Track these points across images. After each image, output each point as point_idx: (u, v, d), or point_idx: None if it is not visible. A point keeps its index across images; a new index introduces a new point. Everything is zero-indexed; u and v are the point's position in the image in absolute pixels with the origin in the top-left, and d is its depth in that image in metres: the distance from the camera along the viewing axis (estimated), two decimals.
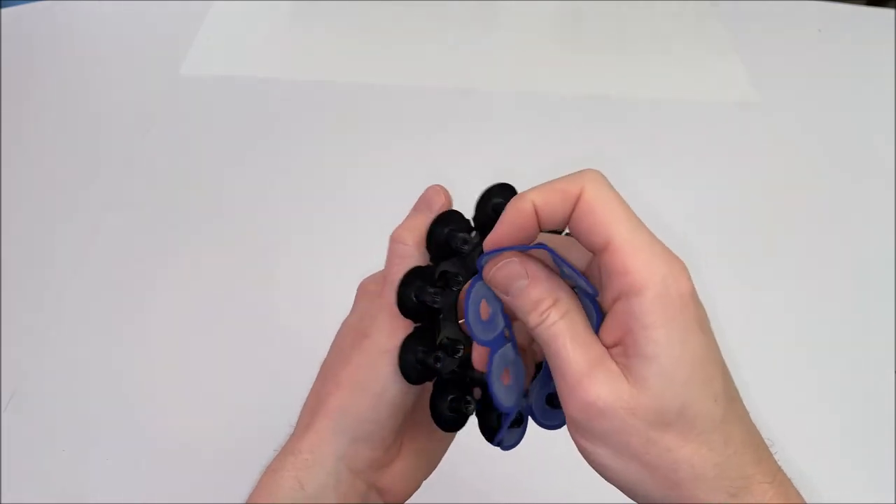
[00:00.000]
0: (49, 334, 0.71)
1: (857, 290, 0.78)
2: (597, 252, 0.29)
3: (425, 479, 0.39)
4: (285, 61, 1.07)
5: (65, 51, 1.08)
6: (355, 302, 0.39)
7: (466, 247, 0.34)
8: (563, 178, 0.30)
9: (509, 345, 0.33)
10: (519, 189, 0.34)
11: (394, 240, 0.35)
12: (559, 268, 0.31)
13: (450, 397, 0.35)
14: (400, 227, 0.35)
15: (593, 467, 0.29)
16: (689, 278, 0.28)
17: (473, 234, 0.35)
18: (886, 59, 1.07)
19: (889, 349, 0.71)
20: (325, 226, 0.82)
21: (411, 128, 0.96)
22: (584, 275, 0.31)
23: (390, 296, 0.34)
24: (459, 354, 0.35)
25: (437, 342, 0.35)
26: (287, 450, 0.35)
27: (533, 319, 0.30)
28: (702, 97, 1.02)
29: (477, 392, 0.36)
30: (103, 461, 0.62)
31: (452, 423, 0.36)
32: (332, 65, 1.06)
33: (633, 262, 0.28)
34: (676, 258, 0.29)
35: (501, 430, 0.34)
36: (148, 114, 0.96)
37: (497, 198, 0.35)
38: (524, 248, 0.31)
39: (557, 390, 0.29)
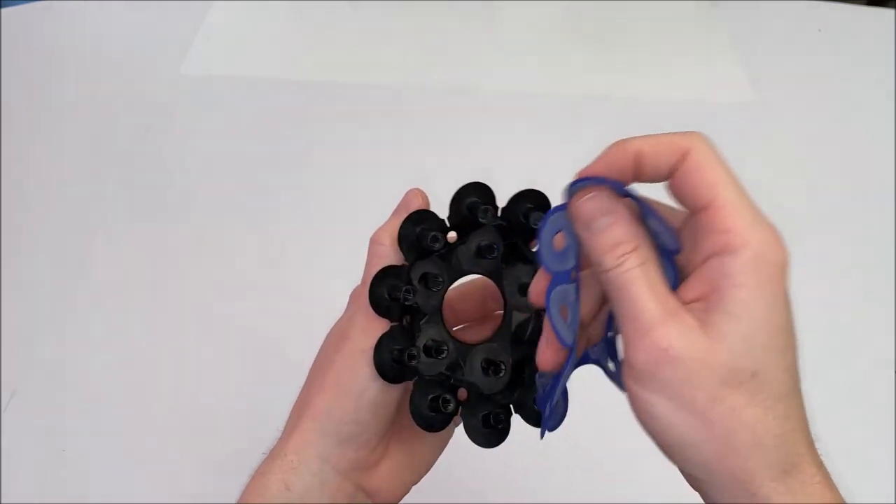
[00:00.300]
0: (49, 334, 0.71)
1: (856, 290, 0.78)
2: (696, 210, 0.29)
3: (416, 481, 0.39)
4: (285, 61, 1.07)
5: (65, 51, 1.08)
6: (347, 306, 0.40)
7: (437, 245, 0.35)
8: (670, 133, 0.29)
9: (573, 286, 0.32)
10: (497, 190, 0.36)
11: (372, 241, 0.36)
12: (645, 220, 0.30)
13: (430, 396, 0.35)
14: (379, 228, 0.36)
15: (644, 420, 0.29)
16: (786, 249, 0.28)
17: (450, 233, 0.36)
18: (886, 59, 1.07)
19: (889, 349, 0.71)
20: (326, 225, 0.82)
21: (411, 128, 0.96)
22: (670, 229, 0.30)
23: (366, 295, 0.34)
24: (444, 356, 0.35)
25: (423, 344, 0.35)
26: (274, 453, 0.36)
27: (609, 261, 0.29)
28: (702, 97, 1.02)
29: (462, 393, 0.36)
30: (103, 461, 0.62)
31: (431, 422, 0.35)
32: (332, 65, 1.06)
33: (736, 222, 0.27)
34: (775, 229, 0.28)
35: (554, 391, 0.33)
36: (148, 114, 0.96)
37: (471, 197, 0.36)
38: (619, 186, 0.29)
39: (623, 337, 0.28)
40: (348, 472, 0.36)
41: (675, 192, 0.29)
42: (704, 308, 0.28)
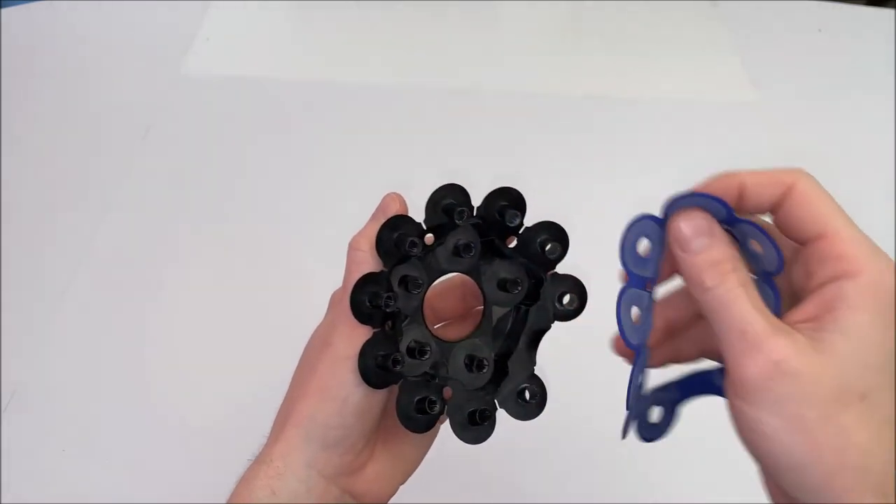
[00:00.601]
0: (49, 334, 0.71)
1: None
2: (808, 240, 0.29)
3: (403, 482, 0.39)
4: (285, 61, 1.07)
5: (65, 51, 1.08)
6: (326, 311, 0.40)
7: (415, 250, 0.35)
8: (775, 169, 0.31)
9: (648, 294, 0.33)
10: (471, 190, 0.36)
11: (350, 247, 0.36)
12: (743, 245, 0.31)
13: (416, 398, 0.35)
14: (357, 234, 0.37)
15: (751, 439, 0.28)
16: None
17: (427, 236, 0.36)
18: (886, 59, 1.07)
19: None
20: (326, 225, 0.82)
21: (411, 128, 0.96)
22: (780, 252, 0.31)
23: (347, 303, 0.35)
24: (427, 357, 0.35)
25: (405, 346, 0.35)
26: (260, 459, 0.36)
27: (710, 279, 0.29)
28: (702, 97, 1.02)
29: (447, 392, 0.36)
30: (103, 461, 0.62)
31: (418, 424, 0.36)
32: (332, 65, 1.06)
33: (853, 249, 0.28)
34: (891, 258, 0.29)
35: (629, 396, 0.33)
36: (148, 114, 0.96)
37: (447, 199, 0.36)
38: (722, 204, 0.30)
39: (728, 354, 0.28)
40: (334, 476, 0.36)
41: (784, 223, 0.30)
42: (815, 328, 0.28)
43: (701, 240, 0.30)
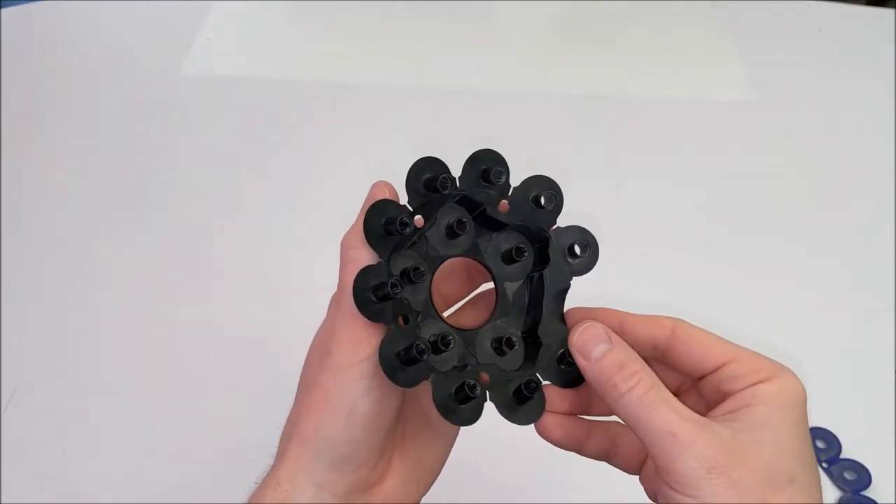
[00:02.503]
0: (49, 334, 0.71)
1: (857, 290, 0.78)
2: (706, 371, 0.33)
3: (425, 492, 0.37)
4: (285, 61, 1.07)
5: (65, 51, 1.08)
6: (326, 315, 0.37)
7: (407, 230, 0.32)
8: (651, 315, 0.34)
9: None
10: (449, 162, 0.35)
11: (343, 246, 0.34)
12: None
13: (453, 388, 0.32)
14: (348, 231, 0.35)
15: None
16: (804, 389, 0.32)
17: (416, 217, 0.34)
18: (886, 59, 1.07)
19: (889, 349, 0.71)
20: (327, 226, 0.81)
21: (411, 128, 0.96)
22: None
23: (347, 305, 0.32)
24: (452, 346, 0.32)
25: (428, 339, 0.32)
26: (266, 482, 0.34)
27: (621, 384, 0.31)
28: (702, 97, 1.02)
29: (483, 377, 0.34)
30: (103, 461, 0.62)
31: (464, 414, 0.32)
32: (332, 65, 1.06)
33: (763, 363, 0.32)
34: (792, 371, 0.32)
35: None
36: (148, 114, 0.96)
37: (425, 172, 0.34)
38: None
39: (656, 454, 0.30)
40: (347, 495, 0.33)
41: (677, 361, 0.33)
42: (733, 419, 0.30)
43: (601, 346, 0.32)
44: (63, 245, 0.79)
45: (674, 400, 0.31)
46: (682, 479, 0.29)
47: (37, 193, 0.86)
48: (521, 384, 0.33)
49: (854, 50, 1.12)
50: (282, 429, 0.36)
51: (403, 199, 0.35)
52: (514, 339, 0.34)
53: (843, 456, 0.62)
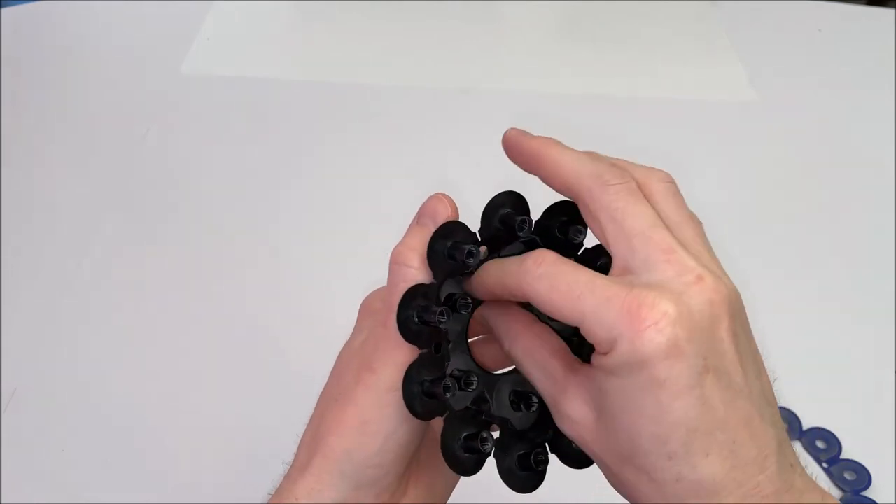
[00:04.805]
0: (49, 334, 0.71)
1: (856, 290, 0.78)
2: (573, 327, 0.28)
3: None
4: (286, 61, 1.07)
5: (65, 51, 1.08)
6: (358, 322, 0.36)
7: (472, 261, 0.30)
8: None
9: None
10: (526, 194, 0.32)
11: (395, 261, 0.31)
12: None
13: (464, 434, 0.30)
14: (401, 244, 0.32)
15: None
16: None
17: (482, 248, 0.32)
18: (886, 59, 1.07)
19: (889, 349, 0.71)
20: (327, 226, 0.82)
21: (411, 128, 0.96)
22: None
23: (394, 323, 0.30)
24: (473, 388, 0.30)
25: (448, 372, 0.31)
26: (284, 495, 0.32)
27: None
28: (702, 97, 1.02)
29: (492, 427, 0.32)
30: (103, 461, 0.62)
31: (465, 465, 0.31)
32: (332, 65, 1.06)
33: (602, 324, 0.26)
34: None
35: None
36: (148, 114, 0.96)
37: (505, 208, 0.32)
38: None
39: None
40: None
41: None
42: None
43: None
44: (63, 245, 0.79)
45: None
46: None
47: (37, 193, 0.86)
48: (531, 453, 0.31)
49: (854, 50, 1.12)
50: (288, 463, 0.35)
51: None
52: (534, 400, 0.31)
53: (843, 456, 0.62)
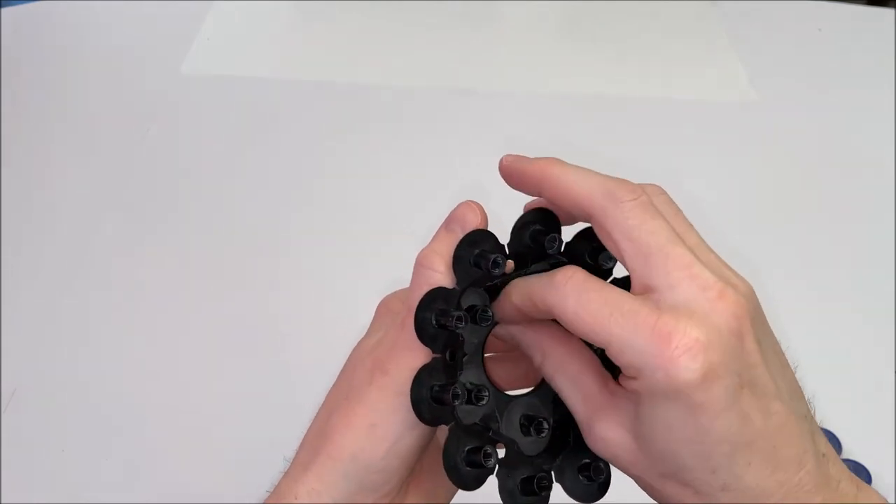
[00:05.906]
0: (49, 334, 0.71)
1: (856, 290, 0.78)
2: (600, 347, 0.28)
3: None
4: (286, 61, 1.07)
5: (65, 51, 1.08)
6: (374, 321, 0.35)
7: (498, 271, 0.30)
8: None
9: None
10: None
11: (421, 265, 0.31)
12: None
13: (467, 448, 0.30)
14: (428, 248, 0.31)
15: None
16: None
17: (508, 262, 0.31)
18: (886, 59, 1.07)
19: (889, 349, 0.71)
20: (328, 226, 0.82)
21: (411, 128, 0.96)
22: None
23: (412, 325, 0.30)
24: (484, 403, 0.30)
25: (464, 385, 0.30)
26: (283, 493, 0.32)
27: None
28: (702, 97, 1.02)
29: (498, 447, 0.32)
30: (103, 461, 0.62)
31: (466, 479, 0.30)
32: (332, 65, 1.06)
33: (632, 350, 0.26)
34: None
35: None
36: (148, 114, 0.96)
37: (536, 225, 0.31)
38: None
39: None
40: None
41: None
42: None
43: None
44: (63, 245, 0.79)
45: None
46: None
47: (37, 193, 0.86)
48: (535, 477, 0.30)
49: (854, 49, 1.12)
50: (288, 459, 0.34)
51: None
52: (545, 427, 0.31)
53: (843, 456, 0.62)
